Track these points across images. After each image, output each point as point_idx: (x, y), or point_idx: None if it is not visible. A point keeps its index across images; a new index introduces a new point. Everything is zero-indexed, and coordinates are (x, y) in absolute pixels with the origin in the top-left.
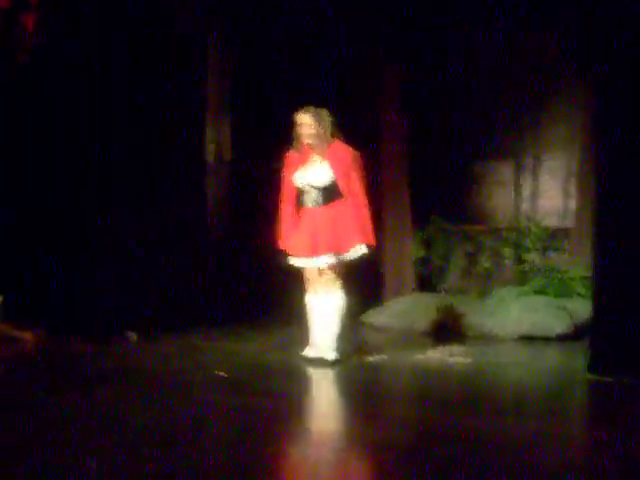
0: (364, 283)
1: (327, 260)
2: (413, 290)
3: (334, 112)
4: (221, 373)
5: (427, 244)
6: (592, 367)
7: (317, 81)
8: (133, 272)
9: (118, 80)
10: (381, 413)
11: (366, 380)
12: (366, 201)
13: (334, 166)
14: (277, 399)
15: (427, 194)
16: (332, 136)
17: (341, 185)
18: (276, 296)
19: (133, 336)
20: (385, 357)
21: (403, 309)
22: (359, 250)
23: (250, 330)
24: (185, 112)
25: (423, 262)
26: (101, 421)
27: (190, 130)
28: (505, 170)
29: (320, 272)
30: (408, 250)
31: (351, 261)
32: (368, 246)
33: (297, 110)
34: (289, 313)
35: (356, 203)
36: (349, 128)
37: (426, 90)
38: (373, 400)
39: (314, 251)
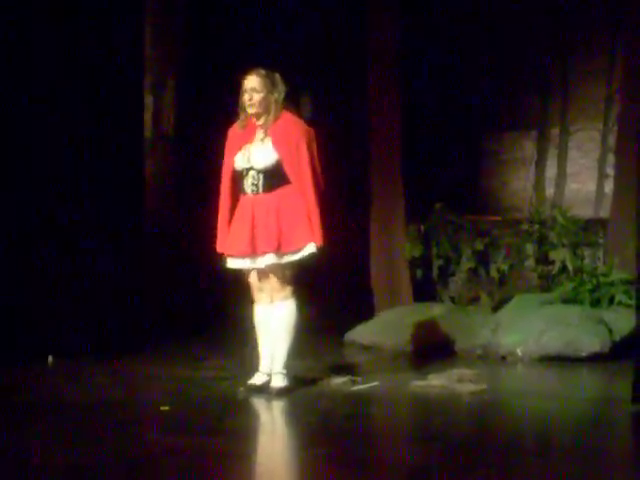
0: (348, 292)
1: (267, 261)
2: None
3: (307, 74)
4: (163, 407)
5: (426, 240)
6: (638, 396)
7: (287, 36)
8: (52, 281)
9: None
10: (366, 460)
11: (347, 415)
12: (317, 188)
13: (279, 143)
14: (230, 439)
15: (425, 176)
16: (282, 108)
17: (287, 167)
18: (232, 307)
19: (49, 359)
20: (374, 384)
21: (396, 323)
22: (306, 249)
23: (200, 351)
24: (117, 73)
25: (421, 263)
26: (19, 466)
27: (123, 96)
28: (524, 145)
29: (261, 276)
30: (401, 248)
31: (301, 262)
32: (317, 246)
33: (245, 73)
34: (250, 328)
35: (304, 190)
36: (324, 91)
37: (426, 43)
38: (356, 442)
39: (251, 249)
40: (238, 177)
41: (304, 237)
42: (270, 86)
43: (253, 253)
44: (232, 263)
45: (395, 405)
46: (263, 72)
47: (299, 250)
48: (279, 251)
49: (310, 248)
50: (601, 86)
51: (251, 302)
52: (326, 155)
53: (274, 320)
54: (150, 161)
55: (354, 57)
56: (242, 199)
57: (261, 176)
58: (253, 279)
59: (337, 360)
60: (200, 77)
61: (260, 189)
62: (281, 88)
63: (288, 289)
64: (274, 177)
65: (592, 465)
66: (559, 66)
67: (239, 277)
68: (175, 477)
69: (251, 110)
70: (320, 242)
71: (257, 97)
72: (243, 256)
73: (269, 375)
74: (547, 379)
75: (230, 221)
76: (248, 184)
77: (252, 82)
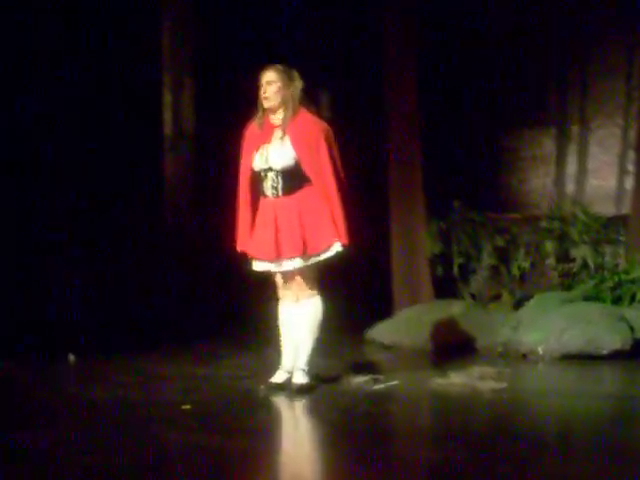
0: (368, 290)
1: (294, 265)
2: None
3: (325, 72)
4: (184, 406)
5: (446, 237)
6: None
7: (305, 34)
8: (71, 278)
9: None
10: (388, 458)
11: (369, 413)
12: (338, 187)
13: (297, 142)
14: (251, 437)
15: (445, 174)
16: (300, 106)
17: (306, 166)
18: (253, 305)
19: (71, 358)
20: (395, 382)
21: (416, 321)
22: (332, 248)
23: (221, 350)
24: (136, 72)
25: (441, 261)
26: (37, 466)
27: (142, 94)
28: (544, 142)
29: (287, 277)
30: (421, 245)
31: (326, 261)
32: (342, 244)
33: (263, 68)
34: (270, 326)
35: (325, 190)
36: (342, 90)
37: (445, 39)
38: (377, 440)
39: (276, 254)
40: (257, 178)
41: (329, 237)
42: (286, 80)
43: (278, 258)
44: (258, 266)
45: (416, 403)
46: (280, 67)
47: (325, 250)
48: (305, 254)
49: (336, 247)
50: (620, 82)
51: (276, 300)
52: (345, 154)
53: (299, 318)
54: (169, 159)
55: (372, 54)
56: (263, 202)
57: (280, 178)
58: (279, 279)
59: (358, 358)
60: (219, 76)
61: (280, 192)
62: (297, 83)
63: (314, 287)
64: (294, 178)
65: (613, 463)
66: (578, 62)
67: (260, 275)
68: (196, 476)
69: (266, 104)
70: (345, 241)
71: (271, 89)
72: (268, 261)
73: (290, 372)
74: (568, 377)
75: (250, 220)
76: (268, 186)
77: (268, 76)
